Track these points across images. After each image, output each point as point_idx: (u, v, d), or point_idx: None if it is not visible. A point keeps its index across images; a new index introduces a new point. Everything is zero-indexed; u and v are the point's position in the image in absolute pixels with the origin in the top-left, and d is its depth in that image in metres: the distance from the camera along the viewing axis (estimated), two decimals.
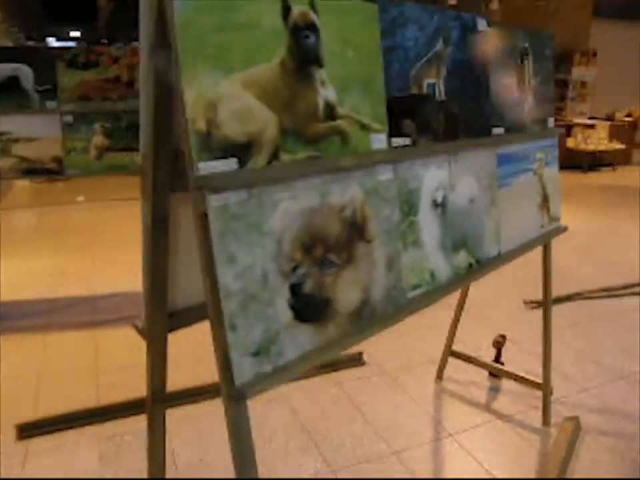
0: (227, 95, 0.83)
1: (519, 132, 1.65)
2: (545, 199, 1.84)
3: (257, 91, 0.88)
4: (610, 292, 3.42)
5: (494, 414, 2.19)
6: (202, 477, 1.82)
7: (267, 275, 0.91)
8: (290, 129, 0.93)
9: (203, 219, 0.82)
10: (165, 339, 1.06)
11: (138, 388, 2.29)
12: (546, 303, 2.02)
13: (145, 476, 1.34)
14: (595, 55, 8.92)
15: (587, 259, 4.24)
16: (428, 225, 1.29)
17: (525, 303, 3.22)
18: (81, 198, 6.49)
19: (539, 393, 2.26)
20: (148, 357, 1.07)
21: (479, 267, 1.48)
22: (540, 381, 2.13)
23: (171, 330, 1.08)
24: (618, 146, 8.31)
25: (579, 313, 3.18)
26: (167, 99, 0.90)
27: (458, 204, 1.40)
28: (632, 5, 9.36)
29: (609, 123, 8.65)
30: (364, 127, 1.09)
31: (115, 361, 2.57)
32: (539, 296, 3.15)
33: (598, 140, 8.30)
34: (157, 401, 1.08)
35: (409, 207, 1.22)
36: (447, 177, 1.34)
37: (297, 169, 0.93)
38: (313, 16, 0.96)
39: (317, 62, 0.98)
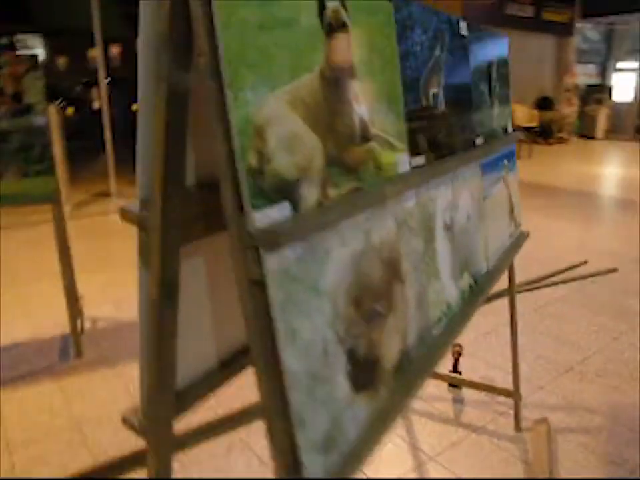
0: (275, 116, 0.62)
1: (494, 139, 1.58)
2: (512, 206, 1.80)
3: (301, 110, 0.67)
4: (531, 285, 3.57)
5: (466, 428, 2.13)
6: None
7: (326, 346, 0.71)
8: (334, 157, 0.74)
9: (258, 287, 0.60)
10: (171, 431, 0.82)
11: (70, 458, 1.92)
12: (512, 312, 1.99)
13: None
14: None
15: None
16: (442, 250, 1.16)
17: None
18: None
19: (501, 398, 2.25)
20: (150, 460, 0.81)
21: (477, 287, 1.38)
22: (497, 385, 2.13)
23: (175, 417, 0.83)
24: None
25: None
26: (181, 121, 0.66)
27: (460, 223, 1.28)
28: (494, 13, 10.15)
29: None
30: (391, 147, 0.92)
31: (30, 429, 2.15)
32: None
33: None
34: None
35: (429, 234, 1.08)
36: (451, 195, 1.22)
37: (346, 208, 0.74)
38: (344, 15, 0.78)
39: (351, 71, 0.79)
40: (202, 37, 0.56)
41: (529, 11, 10.41)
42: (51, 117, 5.29)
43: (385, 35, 0.92)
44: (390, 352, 0.90)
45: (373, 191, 0.81)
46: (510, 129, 1.81)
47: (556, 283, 3.57)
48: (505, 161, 1.75)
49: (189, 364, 0.87)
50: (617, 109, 12.15)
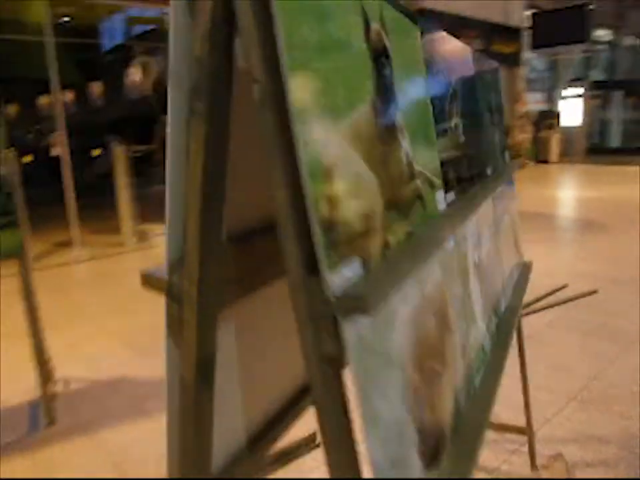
0: (341, 155, 0.52)
1: (500, 168, 1.52)
2: (516, 236, 1.74)
3: (359, 146, 0.57)
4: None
5: (480, 470, 2.01)
6: None
7: (402, 426, 0.59)
8: (389, 198, 0.64)
9: (333, 365, 0.49)
10: None
11: None
12: (520, 343, 1.91)
13: None
14: None
15: None
16: (475, 291, 1.07)
17: None
18: None
19: (510, 435, 2.15)
20: None
21: (502, 326, 1.29)
22: (503, 420, 2.04)
23: None
24: None
25: None
26: (222, 165, 0.55)
27: (484, 260, 1.20)
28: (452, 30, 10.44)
29: None
30: (431, 184, 0.83)
31: None
32: None
33: None
34: None
35: (464, 275, 0.99)
36: (476, 231, 1.14)
37: (409, 258, 0.64)
38: (385, 37, 0.69)
39: (395, 102, 0.70)
40: (257, 57, 0.45)
41: (478, 44, 10.82)
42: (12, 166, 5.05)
43: (416, 61, 0.84)
44: (446, 413, 0.79)
45: (427, 236, 0.71)
46: (507, 156, 1.76)
47: (543, 309, 3.55)
48: (508, 190, 1.69)
49: (224, 439, 0.73)
50: (567, 132, 12.69)
